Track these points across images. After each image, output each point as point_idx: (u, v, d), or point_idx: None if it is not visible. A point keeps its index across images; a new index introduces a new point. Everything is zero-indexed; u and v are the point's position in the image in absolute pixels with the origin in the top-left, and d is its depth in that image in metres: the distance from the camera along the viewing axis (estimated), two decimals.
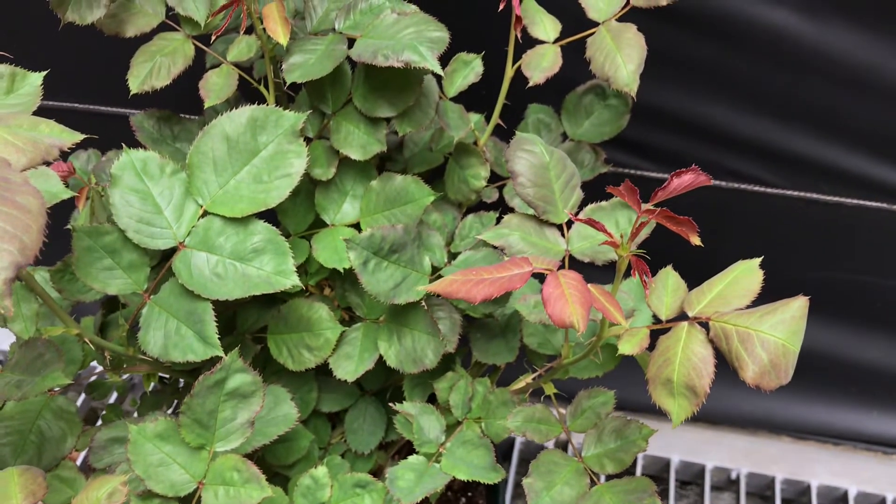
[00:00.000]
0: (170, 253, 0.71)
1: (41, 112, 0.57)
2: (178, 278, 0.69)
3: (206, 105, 0.78)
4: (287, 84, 0.75)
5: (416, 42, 0.72)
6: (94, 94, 1.26)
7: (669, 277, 0.63)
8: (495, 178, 0.91)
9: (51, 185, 0.68)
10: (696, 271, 0.65)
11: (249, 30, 0.79)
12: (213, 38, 0.81)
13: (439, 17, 0.74)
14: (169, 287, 0.70)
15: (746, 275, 0.59)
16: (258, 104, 0.71)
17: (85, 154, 1.04)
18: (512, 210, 0.89)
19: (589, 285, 0.53)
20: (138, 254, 0.72)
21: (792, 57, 1.01)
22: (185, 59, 0.80)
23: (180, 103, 0.89)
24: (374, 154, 0.79)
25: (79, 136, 0.53)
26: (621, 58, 0.75)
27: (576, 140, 0.92)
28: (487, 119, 0.88)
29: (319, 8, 0.83)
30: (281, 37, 0.74)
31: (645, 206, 0.53)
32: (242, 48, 0.80)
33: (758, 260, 0.60)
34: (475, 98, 0.87)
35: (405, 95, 0.77)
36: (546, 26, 0.81)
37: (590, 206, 0.69)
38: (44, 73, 0.66)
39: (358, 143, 0.79)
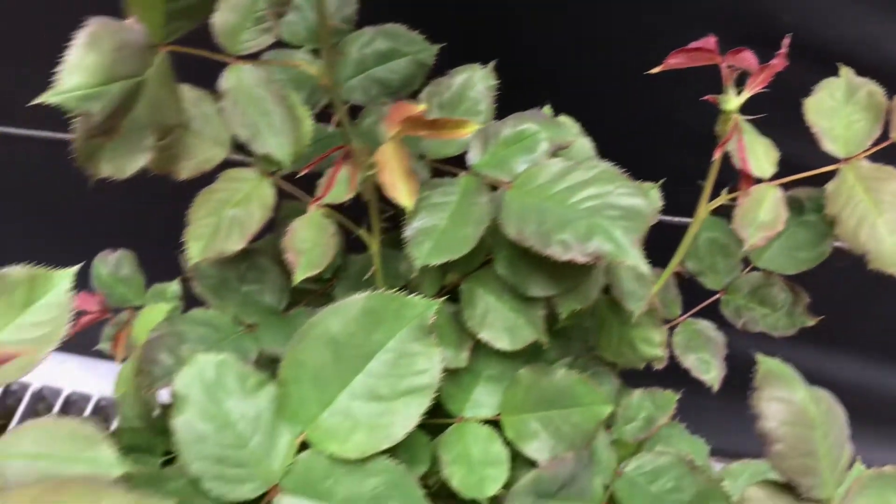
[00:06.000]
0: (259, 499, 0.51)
1: None
2: None
3: (297, 278, 0.56)
4: (414, 270, 0.53)
5: (606, 221, 0.49)
6: None
7: None
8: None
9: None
10: None
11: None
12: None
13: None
14: None
15: None
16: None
17: (112, 257, 0.81)
18: (686, 372, 0.69)
19: None
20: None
21: None
22: (264, 208, 0.58)
23: None
24: (527, 344, 0.58)
25: None
26: (884, 224, 0.53)
27: (762, 269, 0.70)
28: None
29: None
30: (404, 197, 0.52)
31: None
32: (341, 188, 0.58)
33: None
34: None
35: (574, 271, 0.55)
36: (758, 154, 0.58)
37: (870, 473, 0.48)
38: (74, 268, 0.46)
39: (502, 323, 0.58)
